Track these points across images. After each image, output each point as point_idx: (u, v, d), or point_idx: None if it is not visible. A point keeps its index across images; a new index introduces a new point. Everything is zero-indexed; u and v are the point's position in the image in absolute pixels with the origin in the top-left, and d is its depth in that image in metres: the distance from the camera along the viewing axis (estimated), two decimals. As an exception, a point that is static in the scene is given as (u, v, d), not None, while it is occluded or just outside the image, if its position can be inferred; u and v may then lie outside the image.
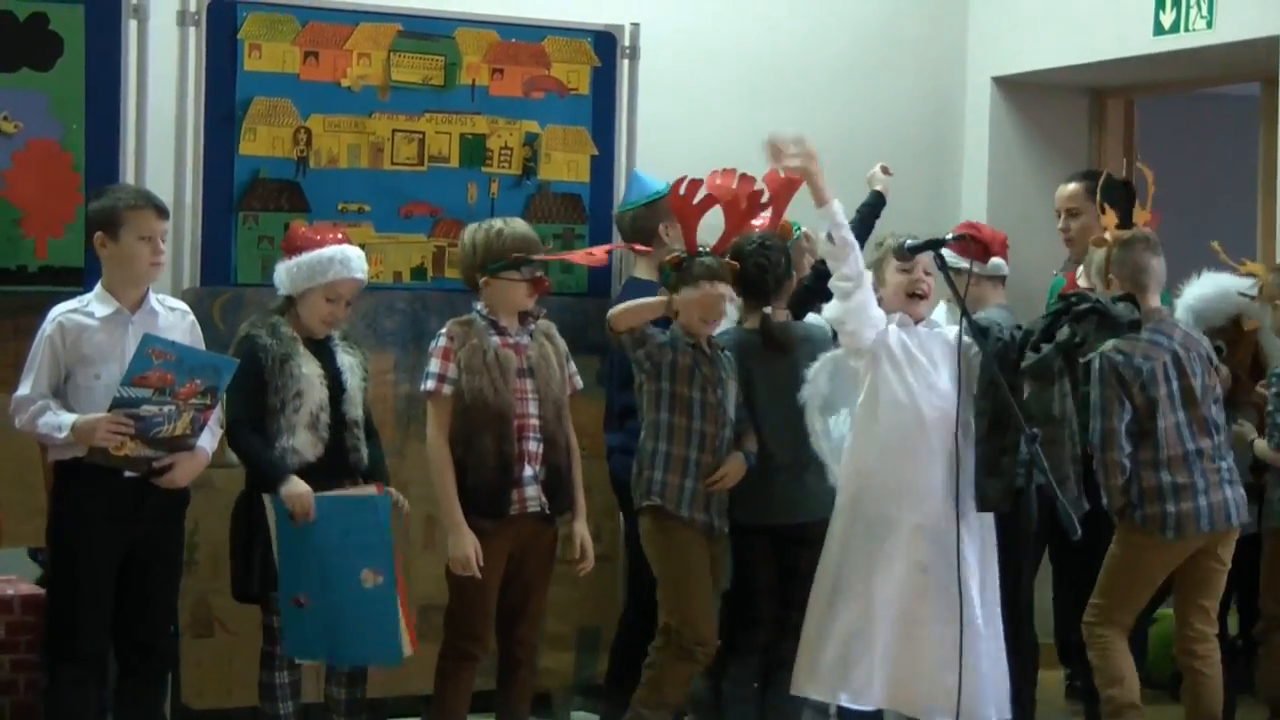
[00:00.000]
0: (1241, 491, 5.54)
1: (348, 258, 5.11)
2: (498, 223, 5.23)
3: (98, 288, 4.93)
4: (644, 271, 5.85)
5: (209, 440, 4.99)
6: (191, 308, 5.38)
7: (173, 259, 5.54)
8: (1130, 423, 5.40)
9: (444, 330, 5.17)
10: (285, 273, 5.09)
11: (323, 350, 5.13)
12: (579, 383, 5.39)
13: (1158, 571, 5.51)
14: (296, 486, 4.96)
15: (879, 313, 5.19)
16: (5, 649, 5.23)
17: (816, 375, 5.39)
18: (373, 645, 5.07)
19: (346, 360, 5.16)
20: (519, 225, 5.24)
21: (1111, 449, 5.37)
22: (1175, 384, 5.43)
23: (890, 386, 5.16)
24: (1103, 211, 5.70)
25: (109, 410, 4.74)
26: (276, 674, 5.08)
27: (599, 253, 5.41)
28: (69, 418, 4.77)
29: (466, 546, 5.05)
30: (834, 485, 5.29)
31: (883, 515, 5.16)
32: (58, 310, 4.89)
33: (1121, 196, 6.19)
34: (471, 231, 5.23)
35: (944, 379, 5.19)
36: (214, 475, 5.36)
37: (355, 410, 5.15)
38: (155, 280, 4.99)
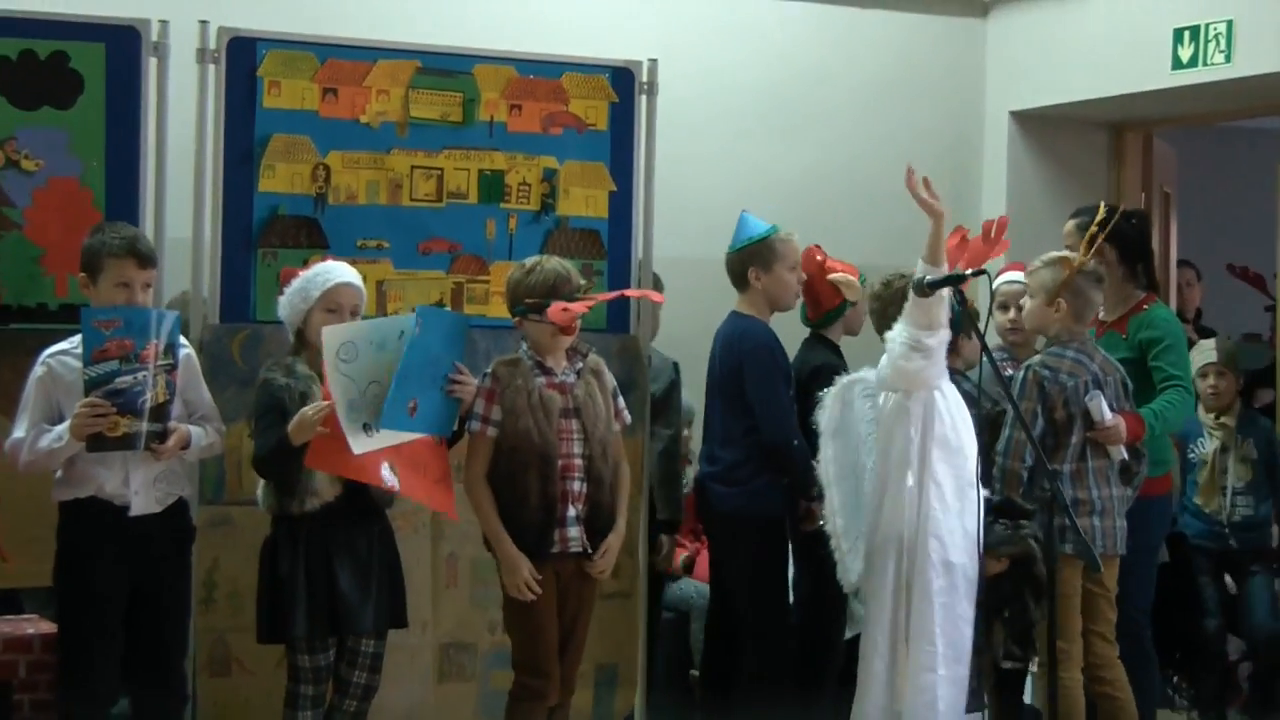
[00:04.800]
0: (1124, 522, 5.66)
1: (331, 267, 5.11)
2: (530, 262, 5.22)
3: None
4: (745, 307, 5.96)
5: (199, 434, 4.99)
6: (211, 344, 5.41)
7: (192, 295, 5.56)
8: (1046, 436, 5.52)
9: (489, 370, 5.16)
10: (286, 305, 5.06)
11: None
12: (627, 418, 5.35)
13: (1073, 584, 5.52)
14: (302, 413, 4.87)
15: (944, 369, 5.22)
16: (25, 689, 5.20)
17: (832, 402, 5.38)
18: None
19: None
20: (550, 265, 5.19)
21: (1016, 458, 5.48)
22: None
23: (937, 435, 5.14)
24: (1090, 244, 5.75)
25: (85, 395, 4.74)
26: (300, 713, 5.04)
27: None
28: (63, 425, 4.78)
29: (521, 569, 5.02)
30: (830, 514, 5.33)
31: (946, 560, 5.12)
32: (47, 352, 4.91)
33: (1128, 228, 6.15)
34: (510, 271, 5.28)
35: (968, 428, 5.21)
36: (233, 513, 5.38)
37: None
38: None
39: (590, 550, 5.16)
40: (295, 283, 5.06)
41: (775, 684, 5.83)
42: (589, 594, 5.26)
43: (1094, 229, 5.71)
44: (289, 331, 5.10)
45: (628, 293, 5.79)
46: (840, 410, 5.39)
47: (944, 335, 5.12)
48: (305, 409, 4.83)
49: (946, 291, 5.05)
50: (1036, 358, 5.64)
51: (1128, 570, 5.72)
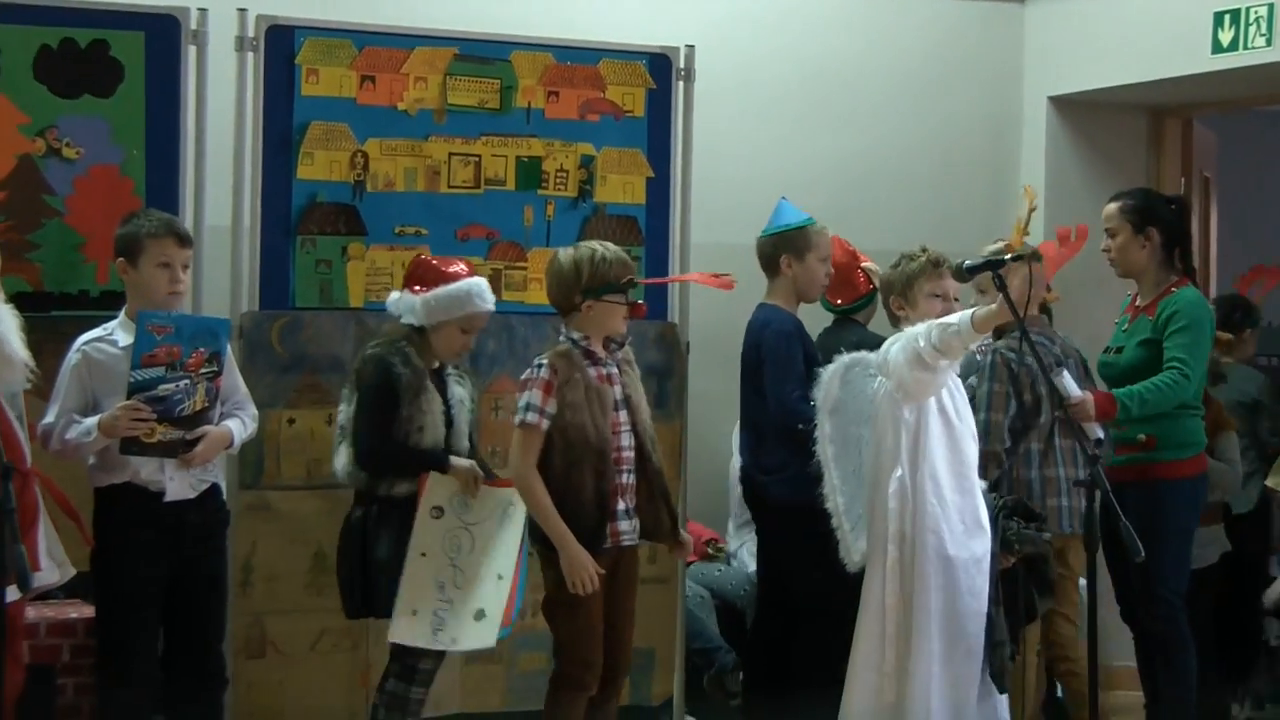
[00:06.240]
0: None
1: (483, 290, 5.14)
2: (595, 245, 5.10)
3: (121, 315, 4.96)
4: (772, 297, 5.94)
5: (239, 428, 5.03)
6: (250, 331, 5.43)
7: (231, 283, 5.58)
8: (1015, 419, 5.62)
9: (545, 361, 5.01)
10: (422, 305, 5.06)
11: (437, 382, 5.11)
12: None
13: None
14: (462, 461, 5.04)
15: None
16: (68, 672, 5.24)
17: (831, 379, 5.33)
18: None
19: (457, 392, 5.15)
20: (614, 249, 5.12)
21: (994, 442, 5.55)
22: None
23: (935, 428, 5.09)
24: (1141, 232, 5.91)
25: (128, 397, 4.78)
26: (414, 689, 5.06)
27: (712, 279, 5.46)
28: (92, 419, 4.81)
29: (589, 566, 4.93)
30: (830, 492, 5.25)
31: (944, 554, 5.05)
32: (82, 339, 4.93)
33: (1169, 213, 6.10)
34: (569, 254, 5.09)
35: (968, 412, 5.22)
36: (270, 498, 5.41)
37: (461, 443, 5.13)
38: (176, 308, 4.97)
39: (639, 540, 5.15)
40: (447, 289, 5.06)
41: (824, 672, 5.77)
42: (634, 581, 5.24)
43: (1031, 209, 5.90)
44: (405, 321, 5.09)
45: (699, 277, 5.75)
46: (839, 388, 5.34)
47: (953, 362, 5.07)
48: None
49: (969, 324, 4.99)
50: (1001, 342, 5.69)
51: (1161, 553, 5.64)
